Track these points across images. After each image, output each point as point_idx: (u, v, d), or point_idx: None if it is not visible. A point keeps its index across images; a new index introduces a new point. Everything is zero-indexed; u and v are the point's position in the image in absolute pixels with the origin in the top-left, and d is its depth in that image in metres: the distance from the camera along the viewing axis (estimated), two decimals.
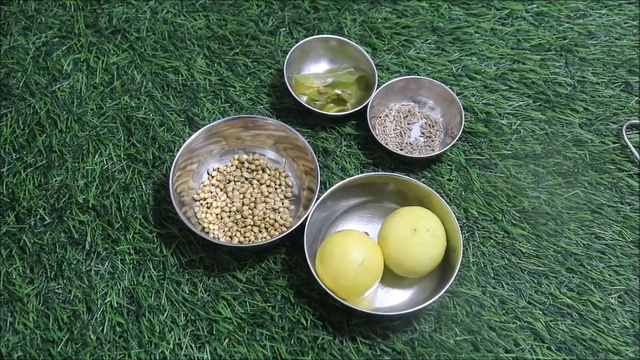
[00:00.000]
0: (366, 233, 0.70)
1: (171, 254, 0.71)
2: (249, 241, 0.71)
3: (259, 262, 0.71)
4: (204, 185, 0.74)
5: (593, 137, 0.79)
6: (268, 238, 0.70)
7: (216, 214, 0.73)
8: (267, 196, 0.74)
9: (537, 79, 0.83)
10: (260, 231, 0.71)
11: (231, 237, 0.71)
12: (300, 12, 0.88)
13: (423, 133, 0.79)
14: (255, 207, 0.73)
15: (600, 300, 0.69)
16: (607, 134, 0.80)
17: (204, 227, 0.71)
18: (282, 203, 0.74)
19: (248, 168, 0.76)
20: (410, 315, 0.67)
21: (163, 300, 0.68)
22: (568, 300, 0.69)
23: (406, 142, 0.78)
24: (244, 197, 0.73)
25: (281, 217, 0.72)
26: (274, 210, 0.73)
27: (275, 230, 0.71)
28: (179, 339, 0.66)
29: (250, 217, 0.72)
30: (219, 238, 0.71)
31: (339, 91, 0.81)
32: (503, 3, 0.89)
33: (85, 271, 0.70)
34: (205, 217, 0.72)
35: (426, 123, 0.80)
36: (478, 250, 0.71)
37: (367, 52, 0.81)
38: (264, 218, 0.72)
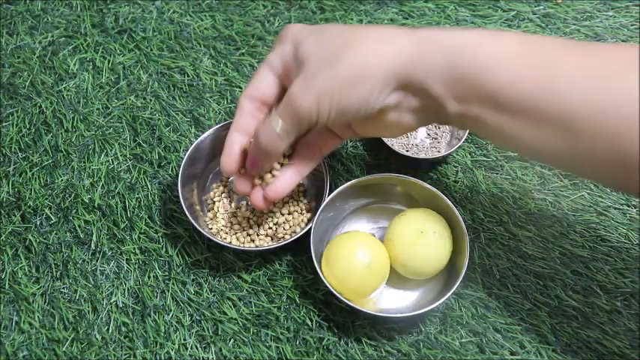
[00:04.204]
0: (373, 234, 0.70)
1: (177, 254, 0.71)
2: (260, 241, 0.70)
3: (265, 263, 0.71)
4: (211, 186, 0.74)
5: None
6: (276, 240, 0.70)
7: (223, 215, 0.72)
8: None
9: None
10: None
11: (238, 238, 0.71)
12: (307, 12, 0.88)
13: (429, 134, 0.79)
14: None
15: (606, 302, 0.69)
16: None
17: (210, 228, 0.71)
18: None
19: None
20: (416, 317, 0.67)
21: (169, 300, 0.68)
22: (574, 302, 0.69)
23: (412, 143, 0.78)
24: None
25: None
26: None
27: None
28: (184, 339, 0.66)
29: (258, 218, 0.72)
30: (226, 240, 0.71)
31: None
32: (510, 4, 0.89)
33: (91, 270, 0.70)
34: (212, 218, 0.72)
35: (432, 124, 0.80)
36: (484, 251, 0.71)
37: None
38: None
